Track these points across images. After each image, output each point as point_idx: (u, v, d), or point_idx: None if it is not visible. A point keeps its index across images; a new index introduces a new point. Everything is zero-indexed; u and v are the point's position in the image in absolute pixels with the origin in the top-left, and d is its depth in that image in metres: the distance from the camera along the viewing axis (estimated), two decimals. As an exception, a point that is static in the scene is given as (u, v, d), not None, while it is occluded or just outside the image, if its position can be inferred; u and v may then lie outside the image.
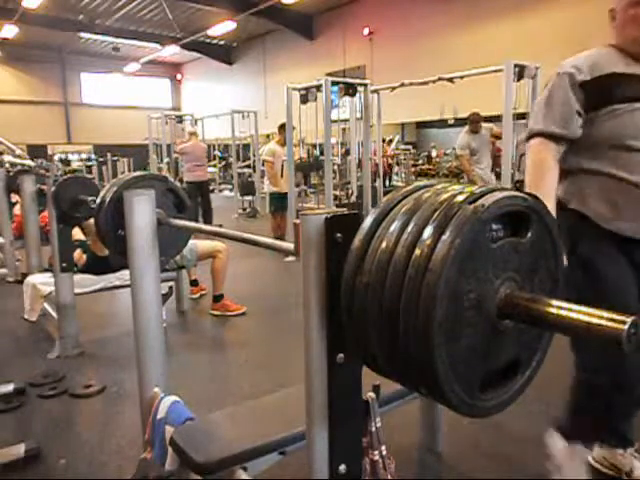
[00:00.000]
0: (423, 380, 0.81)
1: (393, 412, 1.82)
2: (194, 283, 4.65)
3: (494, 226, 0.80)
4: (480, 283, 0.79)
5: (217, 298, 4.19)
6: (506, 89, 5.52)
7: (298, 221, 0.97)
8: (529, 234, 0.84)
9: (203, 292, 4.68)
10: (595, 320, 0.69)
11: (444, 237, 0.74)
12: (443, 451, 2.17)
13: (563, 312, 0.74)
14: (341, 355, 0.99)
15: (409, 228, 0.79)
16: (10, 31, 15.47)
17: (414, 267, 0.75)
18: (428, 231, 0.76)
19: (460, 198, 0.79)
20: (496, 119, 6.17)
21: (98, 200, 1.99)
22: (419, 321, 0.74)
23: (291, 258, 5.63)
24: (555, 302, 0.76)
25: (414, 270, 0.75)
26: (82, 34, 18.43)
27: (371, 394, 1.22)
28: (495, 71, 5.85)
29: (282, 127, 6.84)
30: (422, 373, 0.79)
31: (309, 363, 0.99)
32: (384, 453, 1.22)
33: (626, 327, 0.66)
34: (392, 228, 0.81)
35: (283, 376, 2.80)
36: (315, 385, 0.99)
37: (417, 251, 0.76)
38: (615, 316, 0.68)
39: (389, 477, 1.24)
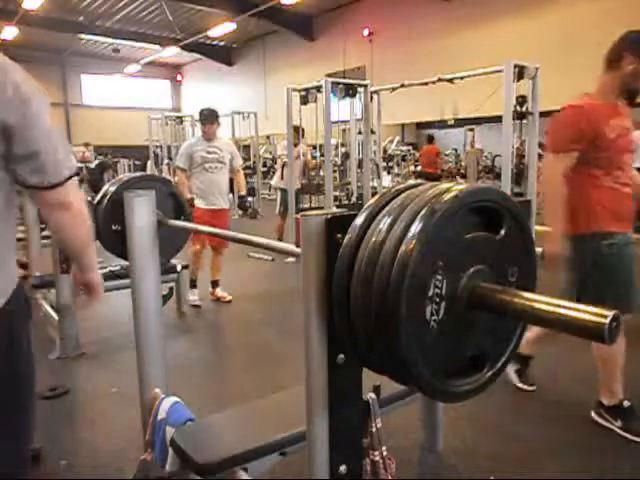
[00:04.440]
0: (394, 365, 0.84)
1: (393, 412, 1.81)
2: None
3: (468, 221, 0.83)
4: (450, 273, 0.81)
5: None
6: (506, 89, 5.52)
7: (299, 216, 0.98)
8: (502, 230, 0.86)
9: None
10: (572, 313, 0.70)
11: (411, 230, 0.77)
12: (443, 451, 2.16)
13: (536, 304, 0.75)
14: (341, 356, 0.99)
15: (383, 225, 0.82)
16: (10, 33, 15.47)
17: (383, 262, 0.78)
18: (398, 225, 0.79)
19: (433, 194, 0.81)
20: (496, 120, 6.17)
21: (98, 197, 2.00)
22: (387, 312, 0.77)
23: (292, 259, 5.63)
24: (527, 294, 0.78)
25: (380, 265, 0.78)
26: (82, 35, 18.43)
27: (371, 394, 1.22)
28: (495, 72, 5.85)
29: (295, 130, 6.80)
30: (393, 359, 0.81)
31: (309, 364, 0.99)
32: (385, 454, 1.23)
33: (607, 321, 0.66)
34: (373, 226, 0.84)
35: (284, 377, 2.80)
36: (315, 385, 0.99)
37: (385, 245, 0.79)
38: (595, 310, 0.68)
39: (389, 477, 1.25)
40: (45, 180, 1.10)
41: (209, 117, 4.38)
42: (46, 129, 1.09)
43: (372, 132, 7.48)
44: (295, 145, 6.75)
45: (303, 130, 7.05)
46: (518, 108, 5.69)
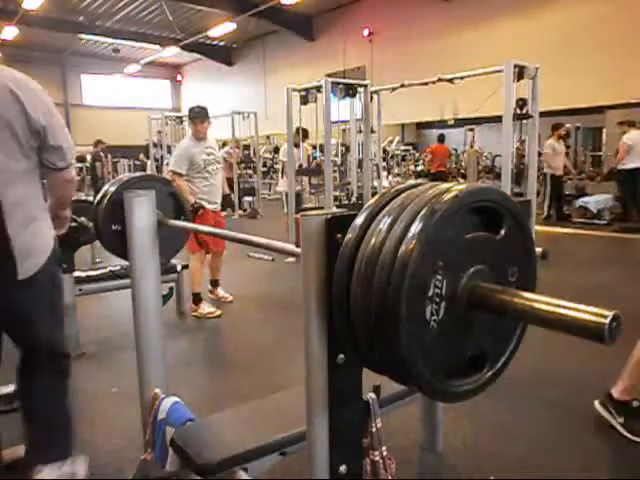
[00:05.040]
0: (394, 365, 0.84)
1: (393, 412, 1.82)
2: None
3: (468, 221, 0.83)
4: (450, 273, 0.81)
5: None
6: (506, 89, 5.52)
7: (299, 216, 0.98)
8: (502, 230, 0.86)
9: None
10: (572, 313, 0.70)
11: (411, 230, 0.77)
12: (443, 451, 2.16)
13: (536, 304, 0.75)
14: (342, 356, 0.99)
15: (383, 225, 0.82)
16: (10, 33, 15.47)
17: (383, 262, 0.78)
18: (398, 225, 0.79)
19: (433, 193, 0.81)
20: (496, 120, 6.17)
21: (98, 197, 2.00)
22: (387, 312, 0.77)
23: (292, 259, 5.63)
24: (527, 294, 0.78)
25: (380, 265, 0.78)
26: (82, 35, 18.44)
27: (371, 394, 1.22)
28: (495, 72, 5.85)
29: (296, 131, 6.84)
30: (393, 359, 0.81)
31: (309, 364, 0.99)
32: (385, 454, 1.22)
33: (607, 321, 0.66)
34: (373, 226, 0.84)
35: (284, 377, 2.80)
36: (315, 385, 0.99)
37: (385, 245, 0.79)
38: (595, 310, 0.68)
39: (389, 477, 1.25)
40: (66, 163, 1.63)
41: (200, 115, 4.11)
42: (62, 124, 1.61)
43: (372, 131, 7.50)
44: (297, 146, 6.77)
45: (307, 132, 7.07)
46: (518, 111, 5.70)
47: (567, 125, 10.00)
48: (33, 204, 1.60)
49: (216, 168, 4.22)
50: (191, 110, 4.22)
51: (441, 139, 11.18)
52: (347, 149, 8.32)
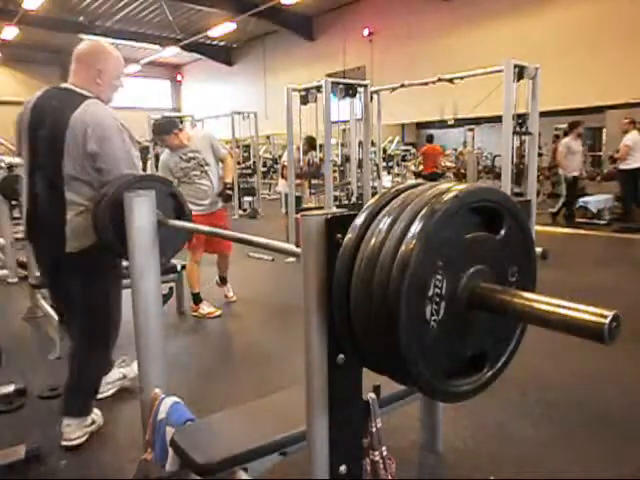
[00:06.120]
0: (394, 365, 0.84)
1: (393, 412, 1.81)
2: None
3: (468, 221, 0.83)
4: (450, 273, 0.81)
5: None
6: (506, 89, 5.52)
7: (299, 216, 0.98)
8: (502, 230, 0.86)
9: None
10: (572, 313, 0.70)
11: (411, 230, 0.77)
12: (443, 451, 2.16)
13: (536, 304, 0.75)
14: (341, 356, 0.99)
15: (383, 225, 0.82)
16: (10, 33, 15.47)
17: (383, 262, 0.78)
18: (398, 225, 0.79)
19: (433, 193, 0.81)
20: (496, 120, 6.16)
21: (98, 197, 2.01)
22: (387, 313, 0.77)
23: (292, 259, 5.63)
24: (527, 294, 0.78)
25: (380, 265, 0.78)
26: (82, 35, 18.41)
27: (371, 394, 1.22)
28: (495, 72, 5.85)
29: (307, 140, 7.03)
30: (393, 359, 0.81)
31: (309, 364, 0.99)
32: (385, 454, 1.23)
33: (607, 321, 0.66)
34: (373, 226, 0.84)
35: (284, 377, 2.80)
36: (315, 385, 0.99)
37: (385, 245, 0.79)
38: (595, 310, 0.68)
39: (389, 477, 1.25)
40: (107, 180, 2.06)
41: (161, 131, 3.88)
42: (114, 155, 2.09)
43: (372, 144, 7.60)
44: (305, 153, 6.85)
45: (315, 141, 7.14)
46: (517, 128, 5.71)
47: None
48: (82, 203, 2.08)
49: (201, 172, 3.99)
50: (152, 125, 4.04)
51: (429, 139, 11.16)
52: (347, 158, 8.35)
